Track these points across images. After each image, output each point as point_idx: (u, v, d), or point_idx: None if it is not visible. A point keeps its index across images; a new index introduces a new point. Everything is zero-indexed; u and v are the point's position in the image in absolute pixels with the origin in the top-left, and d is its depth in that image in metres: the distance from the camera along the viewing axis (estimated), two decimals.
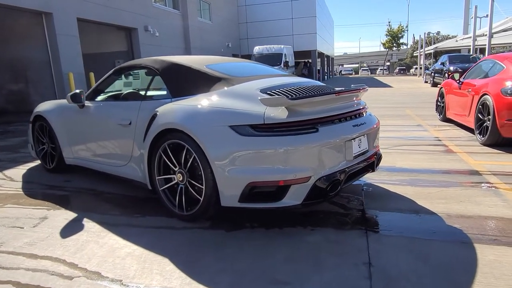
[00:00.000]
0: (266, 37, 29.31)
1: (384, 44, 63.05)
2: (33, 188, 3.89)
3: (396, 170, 4.03)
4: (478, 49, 26.59)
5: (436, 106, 7.92)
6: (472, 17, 23.42)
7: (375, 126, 3.12)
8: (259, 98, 2.51)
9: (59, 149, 4.16)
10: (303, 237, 2.55)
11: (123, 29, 16.15)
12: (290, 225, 2.73)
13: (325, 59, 39.84)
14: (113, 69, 3.79)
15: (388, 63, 72.21)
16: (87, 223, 2.91)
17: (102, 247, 2.50)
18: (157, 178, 3.00)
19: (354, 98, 3.05)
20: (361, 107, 3.08)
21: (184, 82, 3.14)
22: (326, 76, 38.94)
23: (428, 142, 5.49)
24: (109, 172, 3.63)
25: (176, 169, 2.86)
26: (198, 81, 3.07)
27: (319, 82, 3.46)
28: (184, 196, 2.83)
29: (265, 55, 22.12)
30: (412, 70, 55.68)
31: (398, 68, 62.40)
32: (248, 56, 23.90)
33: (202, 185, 2.66)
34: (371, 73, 67.46)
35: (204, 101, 2.83)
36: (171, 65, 3.29)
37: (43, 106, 4.37)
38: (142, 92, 3.58)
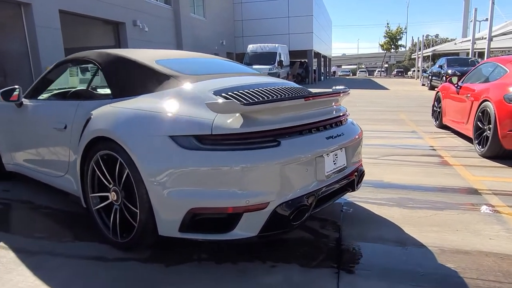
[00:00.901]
0: (262, 35, 28.72)
1: (382, 46, 62.60)
2: None
3: (383, 186, 3.52)
4: (476, 52, 26.16)
5: (432, 111, 7.42)
6: (471, 20, 23.00)
7: (356, 137, 2.60)
8: (205, 102, 1.98)
9: None
10: (260, 278, 2.03)
11: (111, 23, 15.54)
12: (247, 259, 2.21)
13: (322, 59, 39.34)
14: (55, 63, 3.25)
15: (386, 65, 71.84)
16: (1, 249, 2.38)
17: (2, 287, 1.97)
18: (90, 195, 2.47)
19: (332, 104, 2.54)
20: (340, 114, 2.57)
21: (128, 79, 2.61)
22: (322, 77, 38.45)
23: (421, 152, 4.98)
24: (48, 183, 3.09)
25: (110, 186, 2.34)
26: (144, 79, 2.54)
27: (294, 84, 2.94)
28: (119, 220, 2.31)
29: (259, 54, 21.60)
30: (409, 73, 55.26)
31: (396, 70, 62.00)
32: (243, 55, 23.35)
33: (137, 208, 2.14)
34: (368, 75, 67.05)
35: (144, 103, 2.31)
36: (115, 59, 2.76)
37: None
38: (82, 91, 3.04)
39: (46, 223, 2.81)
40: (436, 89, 8.29)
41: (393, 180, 3.70)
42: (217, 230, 2.01)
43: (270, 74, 20.14)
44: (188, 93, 2.28)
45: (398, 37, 59.72)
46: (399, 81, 35.44)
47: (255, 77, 2.83)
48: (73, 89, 3.39)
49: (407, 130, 6.83)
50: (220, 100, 1.96)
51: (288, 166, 2.01)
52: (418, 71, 37.13)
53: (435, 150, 5.09)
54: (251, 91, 2.34)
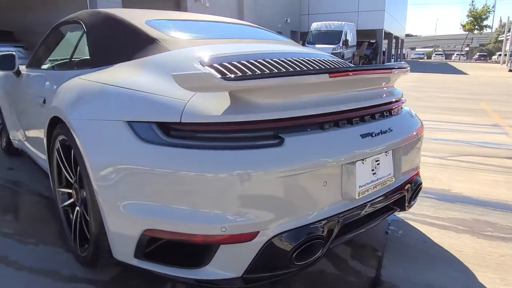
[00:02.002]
0: (329, 13, 27.09)
1: (464, 26, 56.37)
2: None
3: (450, 199, 2.63)
4: None
5: None
6: None
7: (413, 134, 1.79)
8: (172, 74, 1.32)
9: (6, 127, 3.32)
10: None
11: None
12: None
13: (393, 40, 36.41)
14: (52, 27, 2.79)
15: (466, 48, 65.12)
16: None
17: None
18: (56, 189, 1.98)
19: (381, 84, 1.75)
20: (391, 101, 1.77)
21: (110, 43, 2.03)
22: (392, 59, 35.67)
23: (506, 153, 3.88)
24: (39, 165, 2.69)
25: (72, 182, 1.81)
26: (126, 43, 1.94)
27: (332, 56, 2.16)
28: (79, 227, 1.78)
29: (323, 32, 20.31)
30: (494, 57, 49.45)
31: (478, 54, 55.93)
32: (307, 34, 22.20)
33: (88, 216, 1.58)
34: (445, 58, 61.36)
35: (112, 74, 1.72)
36: (102, 19, 2.19)
37: None
38: (68, 59, 2.53)
39: (25, 214, 2.41)
40: None
41: (465, 191, 2.77)
42: (185, 264, 1.38)
43: (333, 54, 18.90)
44: (166, 62, 1.64)
45: (484, 17, 53.33)
46: (481, 65, 31.72)
47: (275, 45, 2.10)
48: (62, 57, 2.90)
49: (488, 123, 5.59)
50: (189, 72, 1.28)
51: (294, 178, 1.30)
52: (505, 55, 32.98)
53: None
54: (261, 61, 1.63)
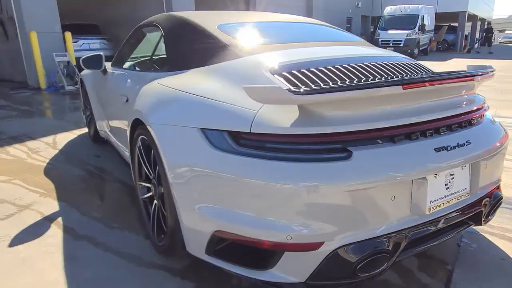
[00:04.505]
0: None
1: None
2: (59, 161, 3.51)
3: None
4: None
5: None
6: None
7: (496, 145, 1.67)
8: (243, 86, 1.38)
9: (94, 118, 3.69)
10: None
11: None
12: None
13: (478, 22, 33.07)
14: (133, 29, 3.01)
15: None
16: (53, 227, 2.29)
17: (28, 277, 1.82)
18: (137, 182, 2.19)
19: (461, 92, 1.65)
20: (471, 109, 1.66)
21: (184, 48, 2.16)
22: (476, 44, 32.49)
23: None
24: (123, 156, 2.98)
25: (151, 177, 1.98)
26: (200, 48, 2.05)
27: (405, 58, 2.08)
28: (157, 219, 1.95)
29: (398, 17, 19.15)
30: None
31: None
32: (380, 18, 21.08)
33: (166, 212, 1.73)
34: None
35: (187, 81, 1.83)
36: (176, 23, 2.33)
37: None
38: (147, 61, 2.72)
39: (111, 201, 2.68)
40: None
41: None
42: (252, 265, 1.47)
43: (407, 40, 17.83)
44: (237, 70, 1.71)
45: None
46: None
47: (347, 48, 2.07)
48: (142, 58, 3.12)
49: None
50: (260, 85, 1.33)
51: (362, 192, 1.30)
52: None
53: None
54: (331, 68, 1.64)
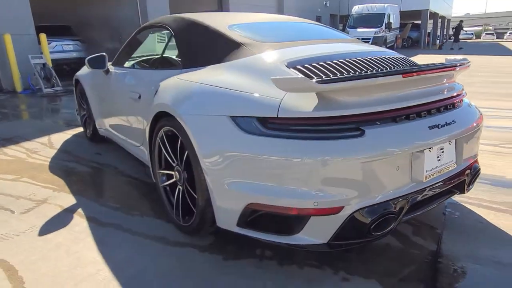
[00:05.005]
0: None
1: None
2: (60, 159, 3.61)
3: (506, 185, 2.78)
4: None
5: None
6: None
7: (474, 125, 1.99)
8: (271, 78, 1.61)
9: (93, 117, 3.80)
10: None
11: None
12: (315, 265, 1.87)
13: (439, 20, 34.74)
14: (137, 29, 3.17)
15: None
16: (76, 217, 2.44)
17: (66, 260, 1.97)
18: (157, 171, 2.37)
19: (443, 80, 1.95)
20: (453, 95, 1.97)
21: (198, 47, 2.37)
22: (438, 41, 34.13)
23: None
24: (129, 151, 3.14)
25: (174, 165, 2.18)
26: (214, 47, 2.27)
27: (394, 53, 2.38)
28: (181, 202, 2.15)
29: (365, 15, 19.91)
30: None
31: None
32: (347, 17, 21.80)
33: (195, 193, 1.94)
34: (497, 38, 57.67)
35: (208, 76, 2.04)
36: (187, 24, 2.53)
37: (83, 68, 4.01)
38: (157, 59, 2.90)
39: (122, 191, 2.83)
40: None
41: None
42: (280, 231, 1.71)
43: (375, 38, 18.57)
44: (256, 65, 1.95)
45: None
46: None
47: (345, 44, 2.34)
48: (150, 57, 3.30)
49: None
50: (288, 76, 1.57)
51: (373, 163, 1.57)
52: None
53: None
54: (336, 62, 1.90)
